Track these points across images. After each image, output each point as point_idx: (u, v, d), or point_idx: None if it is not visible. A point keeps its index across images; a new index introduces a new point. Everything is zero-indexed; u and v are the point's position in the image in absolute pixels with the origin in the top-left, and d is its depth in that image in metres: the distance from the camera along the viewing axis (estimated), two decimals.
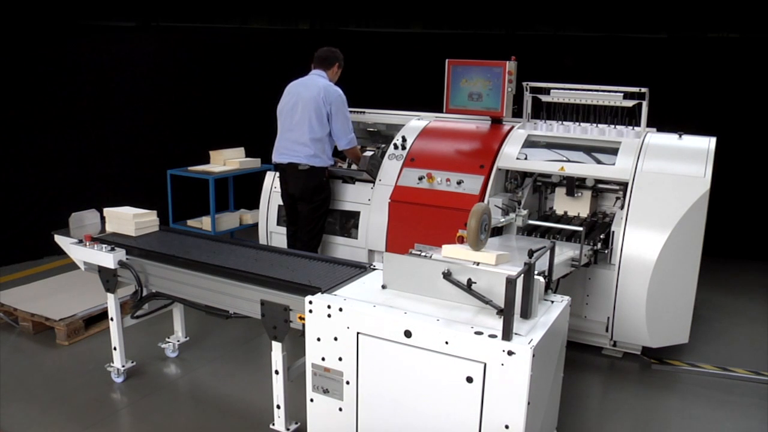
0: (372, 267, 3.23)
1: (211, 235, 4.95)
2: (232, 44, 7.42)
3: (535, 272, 2.53)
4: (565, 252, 3.64)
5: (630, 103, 4.47)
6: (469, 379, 2.44)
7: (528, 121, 4.88)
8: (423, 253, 3.04)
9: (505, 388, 2.37)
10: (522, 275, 2.46)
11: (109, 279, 3.65)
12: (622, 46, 6.85)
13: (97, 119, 6.41)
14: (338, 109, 4.59)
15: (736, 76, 6.34)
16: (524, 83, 4.81)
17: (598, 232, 4.22)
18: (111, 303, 3.73)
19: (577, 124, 4.74)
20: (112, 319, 3.74)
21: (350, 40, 8.16)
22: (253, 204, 5.76)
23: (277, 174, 4.92)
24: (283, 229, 5.06)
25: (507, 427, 2.40)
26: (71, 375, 3.96)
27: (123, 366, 3.84)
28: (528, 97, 4.82)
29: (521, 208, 4.31)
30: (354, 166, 5.15)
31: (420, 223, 4.51)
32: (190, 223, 6.06)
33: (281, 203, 5.15)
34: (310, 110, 4.54)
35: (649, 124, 4.50)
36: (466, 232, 2.91)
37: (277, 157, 4.74)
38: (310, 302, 2.77)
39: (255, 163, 6.26)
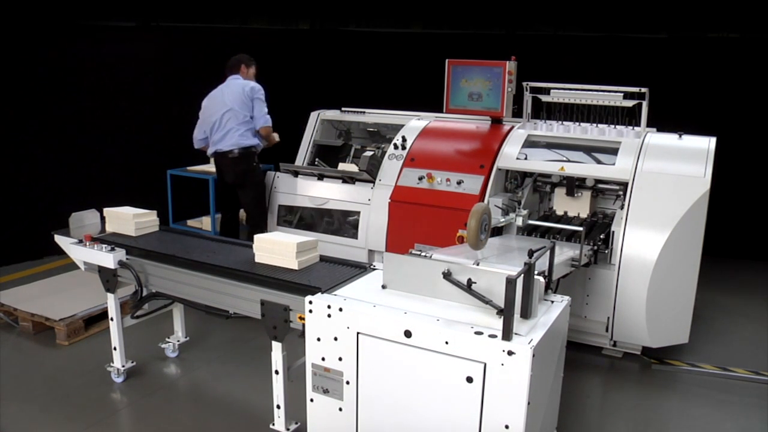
0: (372, 267, 3.23)
1: (211, 235, 4.95)
2: (232, 44, 7.41)
3: (535, 272, 2.53)
4: (565, 252, 3.64)
5: (630, 103, 4.47)
6: (469, 379, 2.44)
7: (528, 121, 4.88)
8: (423, 253, 3.04)
9: (505, 388, 2.37)
10: (522, 275, 2.46)
11: (109, 279, 3.65)
12: (622, 46, 6.85)
13: (97, 119, 6.41)
14: (258, 96, 5.05)
15: (736, 76, 6.34)
16: (524, 83, 4.81)
17: (598, 232, 4.22)
18: (111, 303, 3.73)
19: (577, 124, 4.74)
20: (112, 319, 3.74)
21: (350, 40, 8.18)
22: None
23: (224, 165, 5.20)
24: (284, 229, 5.09)
25: (507, 427, 2.40)
26: (71, 375, 3.96)
27: (123, 366, 3.84)
28: (528, 97, 4.82)
29: (521, 208, 4.31)
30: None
31: (420, 223, 4.52)
32: (190, 223, 6.06)
33: (281, 203, 5.27)
34: (234, 102, 4.98)
35: (649, 124, 4.50)
36: (466, 232, 2.91)
37: (210, 150, 5.14)
38: (310, 302, 2.77)
39: None
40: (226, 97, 5.02)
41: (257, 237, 3.31)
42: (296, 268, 3.15)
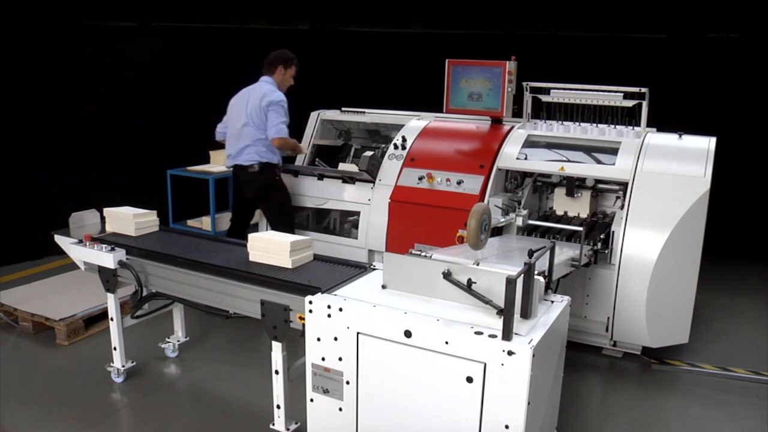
0: (372, 267, 3.23)
1: (211, 235, 4.95)
2: (232, 44, 7.42)
3: (535, 272, 2.53)
4: (565, 252, 3.64)
5: (630, 103, 4.47)
6: (469, 379, 2.44)
7: (528, 121, 4.88)
8: (423, 253, 3.04)
9: (505, 388, 2.37)
10: (522, 275, 2.46)
11: (109, 279, 3.65)
12: (622, 46, 6.85)
13: (97, 119, 6.41)
14: (273, 108, 4.69)
15: (736, 76, 6.34)
16: (524, 83, 4.81)
17: (598, 232, 4.22)
18: (111, 303, 3.73)
19: (577, 124, 4.74)
20: (112, 319, 3.74)
21: (350, 40, 8.18)
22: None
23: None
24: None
25: (507, 427, 2.40)
26: (71, 375, 3.95)
27: (123, 366, 3.84)
28: (528, 97, 4.82)
29: (521, 208, 4.31)
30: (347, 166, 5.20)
31: (420, 223, 4.52)
32: (190, 223, 6.06)
33: None
34: (251, 115, 4.71)
35: (649, 124, 4.50)
36: (466, 232, 2.92)
37: (228, 162, 4.95)
38: (310, 302, 2.77)
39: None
40: (248, 107, 4.73)
41: (252, 236, 3.34)
42: (290, 266, 3.18)
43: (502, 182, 4.61)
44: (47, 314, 4.42)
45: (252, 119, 4.71)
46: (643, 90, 4.37)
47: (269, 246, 3.26)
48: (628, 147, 4.27)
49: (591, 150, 4.45)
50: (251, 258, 3.30)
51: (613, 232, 4.06)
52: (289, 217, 5.02)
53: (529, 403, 2.35)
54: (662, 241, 3.88)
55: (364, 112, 5.61)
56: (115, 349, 3.81)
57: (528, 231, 4.25)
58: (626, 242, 3.97)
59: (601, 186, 4.52)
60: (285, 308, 2.96)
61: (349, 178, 5.03)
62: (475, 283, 2.63)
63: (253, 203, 5.06)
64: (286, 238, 3.27)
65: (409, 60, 7.64)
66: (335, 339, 2.72)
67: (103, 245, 3.54)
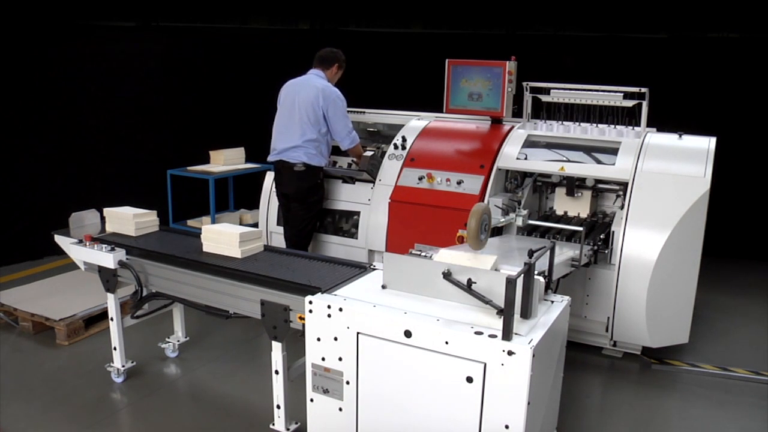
0: (372, 267, 3.23)
1: None
2: (232, 44, 7.42)
3: (535, 272, 2.53)
4: (565, 252, 3.64)
5: (630, 103, 4.47)
6: (469, 379, 2.44)
7: (528, 121, 4.88)
8: (423, 253, 3.04)
9: (505, 388, 2.38)
10: (522, 275, 2.46)
11: (109, 279, 3.65)
12: (622, 46, 6.85)
13: (97, 119, 6.41)
14: (336, 110, 4.56)
15: (736, 76, 6.34)
16: (524, 83, 4.81)
17: (598, 232, 4.23)
18: (111, 303, 3.73)
19: (577, 124, 4.74)
20: (112, 319, 3.75)
21: (350, 40, 8.17)
22: (253, 204, 5.77)
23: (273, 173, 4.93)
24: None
25: (507, 427, 2.40)
26: (71, 375, 3.96)
27: (123, 366, 3.84)
28: (528, 97, 4.82)
29: (521, 208, 4.31)
30: (354, 166, 5.16)
31: (420, 223, 4.52)
32: (190, 223, 6.06)
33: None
34: (304, 112, 4.53)
35: (649, 124, 4.50)
36: (466, 232, 2.92)
37: (272, 156, 4.73)
38: (310, 302, 2.77)
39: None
40: (298, 100, 4.53)
41: (205, 228, 3.46)
42: (239, 256, 3.31)
43: (502, 182, 4.61)
44: (47, 314, 4.42)
45: (307, 114, 4.51)
46: (643, 90, 4.37)
47: (220, 237, 3.37)
48: (628, 147, 4.27)
49: (591, 150, 4.45)
50: (204, 249, 3.41)
51: (613, 232, 4.06)
52: (311, 226, 4.81)
53: (529, 403, 2.35)
54: (662, 241, 3.88)
55: (364, 112, 5.60)
56: (115, 349, 3.81)
57: (528, 231, 4.25)
58: (626, 242, 3.97)
59: (601, 186, 4.52)
60: (285, 308, 2.96)
61: (349, 178, 5.03)
62: (475, 283, 2.63)
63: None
64: (235, 230, 3.39)
65: (409, 60, 7.64)
66: (335, 339, 2.72)
67: (103, 245, 3.54)
